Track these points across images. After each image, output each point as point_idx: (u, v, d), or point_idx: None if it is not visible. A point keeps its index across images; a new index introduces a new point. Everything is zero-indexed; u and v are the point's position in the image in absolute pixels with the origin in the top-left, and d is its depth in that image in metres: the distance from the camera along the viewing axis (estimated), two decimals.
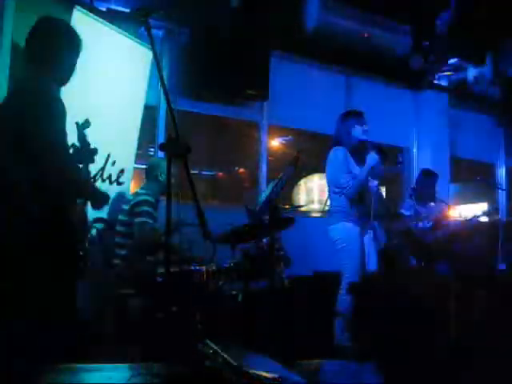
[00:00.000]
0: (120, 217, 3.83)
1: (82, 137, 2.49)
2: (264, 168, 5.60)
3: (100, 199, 2.46)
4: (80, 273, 2.30)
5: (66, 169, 2.20)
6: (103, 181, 3.92)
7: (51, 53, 2.30)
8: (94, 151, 2.49)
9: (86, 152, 2.44)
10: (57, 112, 2.19)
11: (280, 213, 2.96)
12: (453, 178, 6.71)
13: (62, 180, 2.21)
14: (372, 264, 3.97)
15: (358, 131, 3.88)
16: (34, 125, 2.15)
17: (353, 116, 3.96)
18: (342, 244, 3.76)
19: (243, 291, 3.26)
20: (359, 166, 3.84)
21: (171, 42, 4.95)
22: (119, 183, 4.10)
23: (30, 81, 2.27)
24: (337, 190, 3.83)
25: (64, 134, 2.21)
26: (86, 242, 2.49)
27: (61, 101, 2.24)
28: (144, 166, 4.19)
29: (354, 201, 3.81)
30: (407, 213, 4.91)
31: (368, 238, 3.99)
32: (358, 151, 3.90)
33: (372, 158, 3.78)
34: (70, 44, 2.36)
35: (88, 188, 2.36)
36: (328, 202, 4.10)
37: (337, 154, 3.84)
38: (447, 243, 4.89)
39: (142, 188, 3.91)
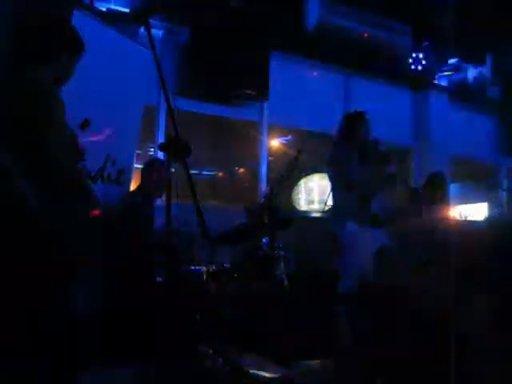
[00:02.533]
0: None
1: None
2: (264, 168, 5.60)
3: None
4: (79, 271, 2.29)
5: (60, 159, 2.15)
6: (103, 181, 3.91)
7: (48, 53, 2.28)
8: (82, 154, 2.43)
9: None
10: (53, 103, 2.16)
11: (280, 213, 2.96)
12: (453, 178, 6.70)
13: (57, 171, 2.19)
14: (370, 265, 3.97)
15: (360, 132, 3.89)
16: (29, 115, 2.12)
17: (356, 116, 3.97)
18: (345, 243, 3.75)
19: (243, 291, 3.26)
20: (362, 165, 3.85)
21: (171, 42, 4.95)
22: (119, 183, 4.10)
23: (25, 77, 2.23)
24: (347, 185, 3.82)
25: (61, 126, 2.17)
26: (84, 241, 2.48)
27: (58, 94, 2.22)
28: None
29: (359, 199, 3.81)
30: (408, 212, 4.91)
31: (368, 238, 3.99)
32: (361, 151, 3.91)
33: (376, 151, 3.80)
34: (70, 45, 2.34)
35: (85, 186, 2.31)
36: (329, 202, 4.10)
37: (343, 150, 3.84)
38: (448, 244, 4.89)
39: (138, 188, 3.91)
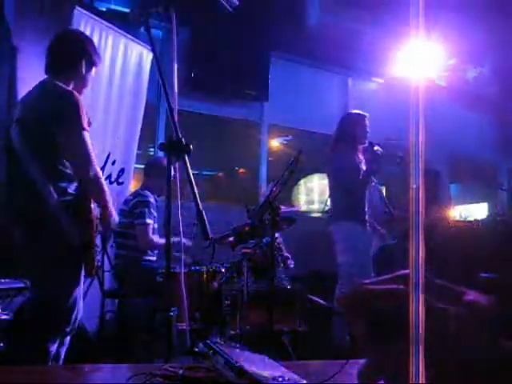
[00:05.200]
0: (119, 217, 3.82)
1: None
2: (264, 168, 5.60)
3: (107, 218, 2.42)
4: (90, 272, 2.35)
5: (90, 170, 2.26)
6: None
7: (69, 65, 2.41)
8: None
9: None
10: (80, 112, 2.25)
11: (280, 213, 2.95)
12: (453, 178, 6.70)
13: (86, 177, 2.27)
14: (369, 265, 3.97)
15: (359, 133, 3.89)
16: (59, 125, 2.22)
17: (356, 117, 3.96)
18: (345, 243, 3.74)
19: (243, 291, 3.25)
20: (360, 166, 3.85)
21: (171, 42, 4.94)
22: (119, 183, 4.10)
23: (53, 86, 2.34)
24: (347, 187, 3.81)
25: (87, 134, 2.28)
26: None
27: (81, 103, 2.31)
28: (144, 166, 4.19)
29: (360, 200, 3.81)
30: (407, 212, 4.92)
31: (368, 238, 3.99)
32: (360, 150, 3.92)
33: (374, 152, 3.79)
34: (88, 56, 2.45)
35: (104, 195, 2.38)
36: (329, 202, 4.09)
37: (345, 153, 3.84)
38: (447, 244, 4.89)
39: (141, 188, 3.90)
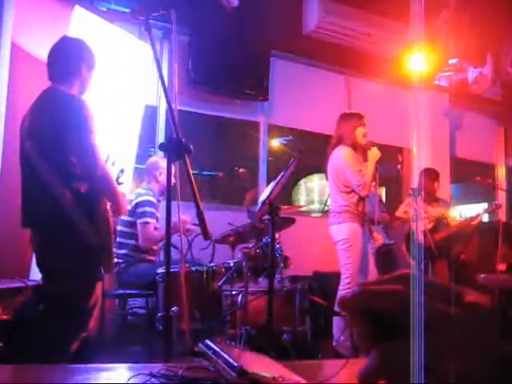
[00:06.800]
0: (121, 216, 3.83)
1: None
2: (264, 168, 5.60)
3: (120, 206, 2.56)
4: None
5: (97, 170, 2.36)
6: None
7: (70, 70, 2.49)
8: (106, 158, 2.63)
9: None
10: (86, 115, 2.32)
11: (280, 213, 2.95)
12: (453, 178, 6.70)
13: (94, 180, 2.37)
14: (369, 265, 3.96)
15: (359, 133, 3.88)
16: (67, 129, 2.29)
17: (355, 117, 3.96)
18: (347, 244, 3.73)
19: (243, 291, 3.25)
20: (359, 166, 3.84)
21: (171, 42, 4.95)
22: (119, 183, 4.10)
23: (56, 92, 2.43)
24: (348, 189, 3.81)
25: (94, 136, 2.35)
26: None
27: (87, 106, 2.37)
28: (144, 166, 4.19)
29: (359, 200, 3.81)
30: (407, 211, 4.91)
31: (368, 238, 3.99)
32: (360, 150, 3.91)
33: (374, 153, 3.78)
34: (86, 60, 2.55)
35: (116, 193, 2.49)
36: (329, 202, 4.09)
37: (346, 153, 3.83)
38: (447, 244, 4.90)
39: (142, 188, 3.91)
